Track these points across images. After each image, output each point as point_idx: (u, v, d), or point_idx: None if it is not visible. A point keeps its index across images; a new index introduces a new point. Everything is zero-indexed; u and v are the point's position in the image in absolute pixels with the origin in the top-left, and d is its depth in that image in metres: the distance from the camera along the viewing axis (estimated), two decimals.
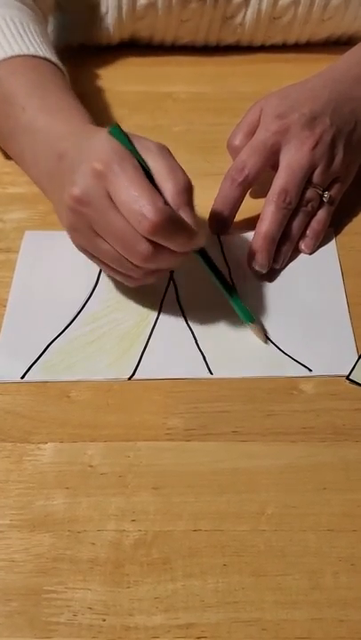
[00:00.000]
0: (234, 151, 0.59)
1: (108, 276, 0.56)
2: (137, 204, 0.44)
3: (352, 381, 0.50)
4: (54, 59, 0.61)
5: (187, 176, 0.47)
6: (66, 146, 0.51)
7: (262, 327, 0.53)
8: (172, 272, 0.56)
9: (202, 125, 0.69)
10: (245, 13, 0.71)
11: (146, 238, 0.45)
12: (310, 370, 0.51)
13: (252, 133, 0.58)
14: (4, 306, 0.54)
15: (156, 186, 0.46)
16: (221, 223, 0.58)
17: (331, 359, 0.51)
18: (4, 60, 0.58)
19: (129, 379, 0.50)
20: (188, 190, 0.47)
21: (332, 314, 0.54)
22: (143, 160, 0.47)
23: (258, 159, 0.56)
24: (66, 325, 0.53)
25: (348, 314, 0.54)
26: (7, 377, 0.50)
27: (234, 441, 0.47)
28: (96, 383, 0.50)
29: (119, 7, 0.70)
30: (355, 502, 0.44)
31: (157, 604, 0.40)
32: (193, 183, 0.63)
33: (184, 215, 0.46)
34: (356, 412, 0.48)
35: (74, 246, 0.58)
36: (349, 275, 0.56)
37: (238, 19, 0.71)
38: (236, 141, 0.59)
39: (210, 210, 0.58)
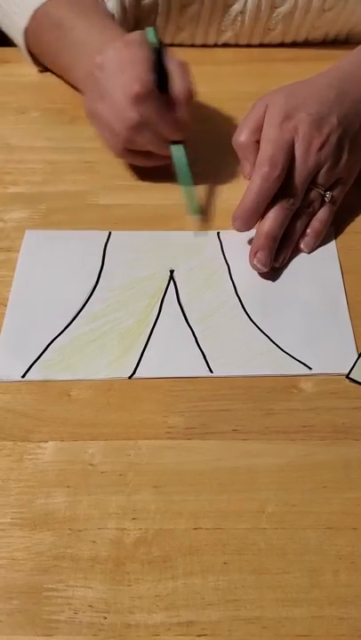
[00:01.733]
0: (240, 147, 0.59)
1: (108, 276, 0.56)
2: (133, 74, 0.56)
3: (352, 380, 0.50)
4: None
5: (192, 83, 0.58)
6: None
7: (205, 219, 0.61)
8: (172, 271, 0.57)
9: (202, 124, 0.69)
10: (246, 1, 0.71)
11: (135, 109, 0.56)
12: (310, 368, 0.51)
13: (258, 131, 0.58)
14: (5, 305, 0.55)
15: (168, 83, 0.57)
16: (253, 220, 0.56)
17: (331, 358, 0.51)
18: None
19: (129, 378, 0.50)
20: (190, 92, 0.58)
21: (332, 312, 0.54)
22: (163, 58, 0.58)
23: (286, 155, 0.55)
24: (66, 325, 0.53)
25: (348, 312, 0.54)
26: (7, 376, 0.50)
27: (234, 439, 0.47)
28: (96, 382, 0.50)
29: None
30: (354, 501, 0.44)
31: (158, 602, 0.41)
32: (194, 182, 0.63)
33: (180, 109, 0.57)
34: (356, 411, 0.48)
35: (74, 246, 0.58)
36: (349, 273, 0.56)
37: (239, 5, 0.71)
38: (242, 137, 0.59)
39: (238, 206, 0.56)
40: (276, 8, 0.71)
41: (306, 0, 0.70)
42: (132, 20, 0.73)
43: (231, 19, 0.73)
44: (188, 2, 0.71)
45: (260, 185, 0.55)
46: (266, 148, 0.56)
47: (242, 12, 0.72)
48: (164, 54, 0.58)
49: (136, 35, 0.59)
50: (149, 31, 0.59)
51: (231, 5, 0.72)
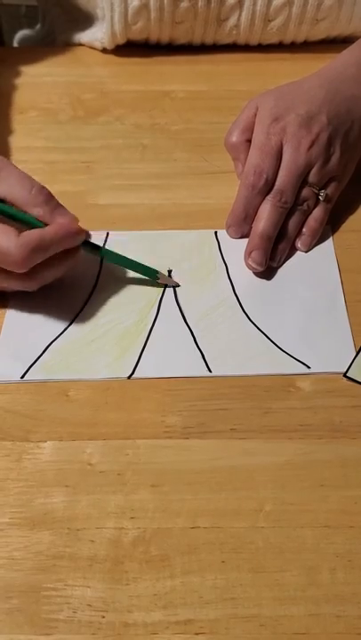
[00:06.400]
0: (231, 148, 0.60)
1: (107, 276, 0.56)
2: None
3: (349, 378, 0.50)
4: None
5: (34, 181, 0.50)
6: None
7: (167, 276, 0.56)
8: (170, 271, 0.57)
9: (200, 124, 0.69)
10: (240, 15, 0.70)
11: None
12: (309, 367, 0.51)
13: (248, 130, 0.58)
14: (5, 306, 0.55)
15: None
16: (245, 226, 0.58)
17: (328, 356, 0.51)
18: None
19: (128, 378, 0.50)
20: (40, 194, 0.50)
21: (329, 311, 0.54)
22: None
23: (272, 161, 0.56)
24: (66, 326, 0.53)
25: (345, 311, 0.54)
26: (7, 377, 0.51)
27: (232, 438, 0.47)
28: (94, 382, 0.50)
29: (111, 13, 0.70)
30: (352, 499, 0.45)
31: (156, 601, 0.41)
32: (192, 181, 0.64)
33: (50, 216, 0.50)
34: (354, 409, 0.49)
35: None
36: (347, 272, 0.57)
37: (233, 20, 0.71)
38: (233, 138, 0.59)
39: (229, 215, 0.58)
40: (270, 21, 0.71)
41: (299, 12, 0.70)
42: (123, 37, 0.73)
43: (225, 34, 0.73)
44: (180, 18, 0.71)
45: (246, 195, 0.56)
46: (252, 156, 0.57)
47: (236, 26, 0.72)
48: None
49: None
50: None
51: (225, 20, 0.71)
